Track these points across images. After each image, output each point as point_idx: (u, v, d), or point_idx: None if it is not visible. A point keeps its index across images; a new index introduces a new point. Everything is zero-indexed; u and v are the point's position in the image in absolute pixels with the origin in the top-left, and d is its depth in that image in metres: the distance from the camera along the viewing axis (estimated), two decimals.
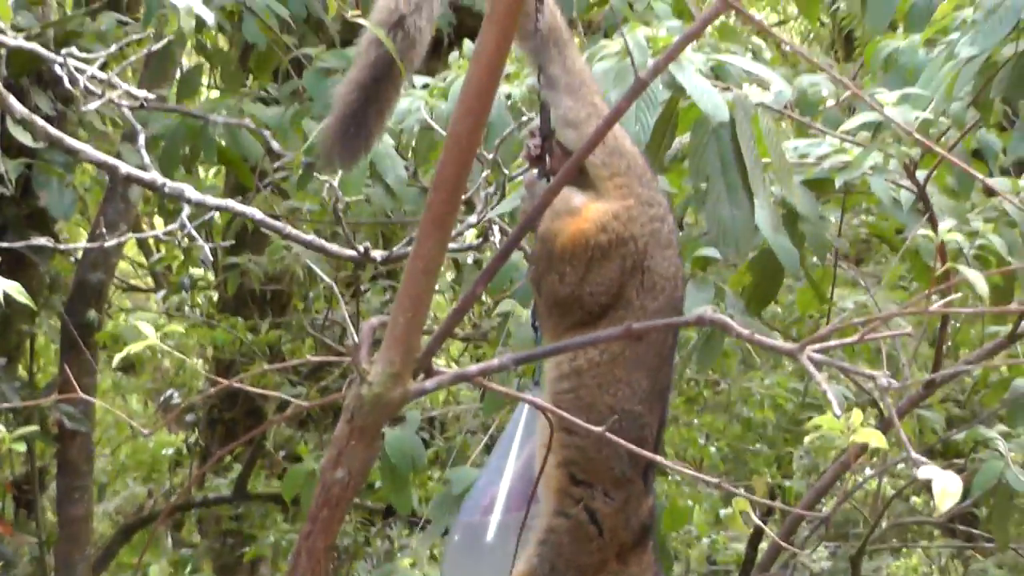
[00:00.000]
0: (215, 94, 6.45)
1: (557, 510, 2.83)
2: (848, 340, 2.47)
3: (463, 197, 4.26)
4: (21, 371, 7.25)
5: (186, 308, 8.43)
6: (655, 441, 2.80)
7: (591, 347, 2.74)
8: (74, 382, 4.83)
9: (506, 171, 4.05)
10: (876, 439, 2.29)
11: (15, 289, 2.46)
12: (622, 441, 2.44)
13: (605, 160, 2.82)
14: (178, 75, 5.68)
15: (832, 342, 2.39)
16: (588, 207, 2.77)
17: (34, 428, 4.81)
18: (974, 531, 7.46)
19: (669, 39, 3.54)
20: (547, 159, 2.93)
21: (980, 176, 3.65)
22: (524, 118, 3.94)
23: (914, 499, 7.82)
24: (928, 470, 2.19)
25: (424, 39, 2.77)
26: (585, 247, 2.76)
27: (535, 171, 2.97)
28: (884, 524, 7.18)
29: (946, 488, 2.16)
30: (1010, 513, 6.72)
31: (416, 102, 4.23)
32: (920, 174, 3.97)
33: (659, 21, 4.17)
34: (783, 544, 4.63)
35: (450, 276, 7.65)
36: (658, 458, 2.71)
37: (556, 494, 2.83)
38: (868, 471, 6.41)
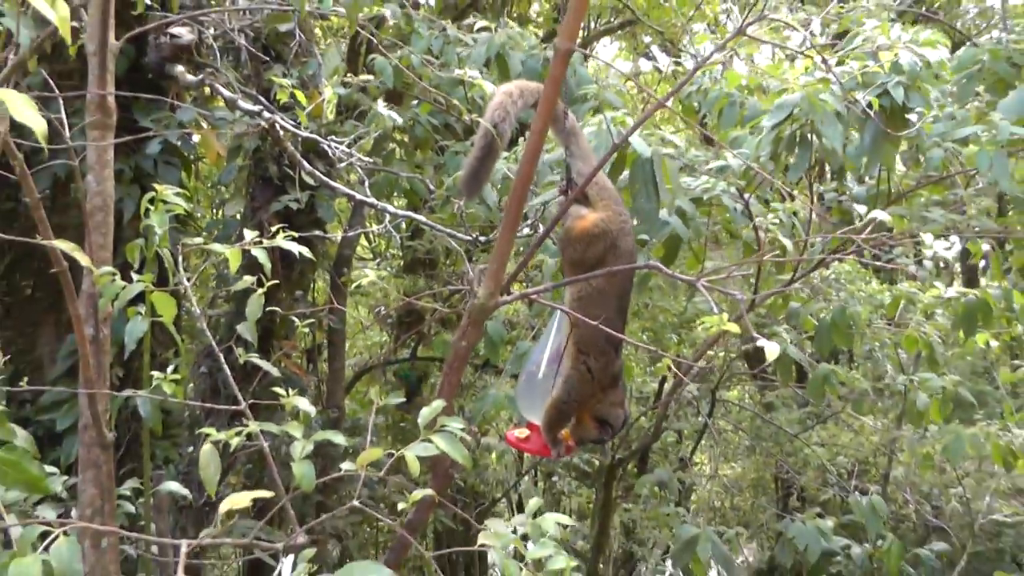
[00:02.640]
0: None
1: (572, 366, 2.79)
2: (721, 276, 2.40)
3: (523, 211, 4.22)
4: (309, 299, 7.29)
5: (388, 268, 8.44)
6: (621, 332, 2.75)
7: (588, 284, 2.70)
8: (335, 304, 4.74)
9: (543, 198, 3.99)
10: (733, 328, 2.23)
11: (306, 251, 2.39)
12: (608, 330, 2.39)
13: (599, 192, 2.78)
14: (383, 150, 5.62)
15: (712, 276, 2.32)
16: (590, 215, 2.74)
17: (311, 321, 4.72)
18: (768, 378, 7.38)
19: (623, 118, 3.52)
20: (568, 191, 2.89)
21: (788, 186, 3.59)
22: (556, 171, 3.88)
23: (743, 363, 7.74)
24: (762, 341, 2.13)
25: (507, 136, 2.73)
26: (586, 234, 2.72)
27: (562, 198, 2.95)
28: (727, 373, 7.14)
29: (770, 349, 2.11)
30: (788, 369, 6.63)
31: (502, 164, 4.17)
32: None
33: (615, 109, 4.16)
34: (682, 377, 4.53)
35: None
36: (624, 337, 2.65)
37: (571, 358, 2.79)
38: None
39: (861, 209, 3.17)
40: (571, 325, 2.78)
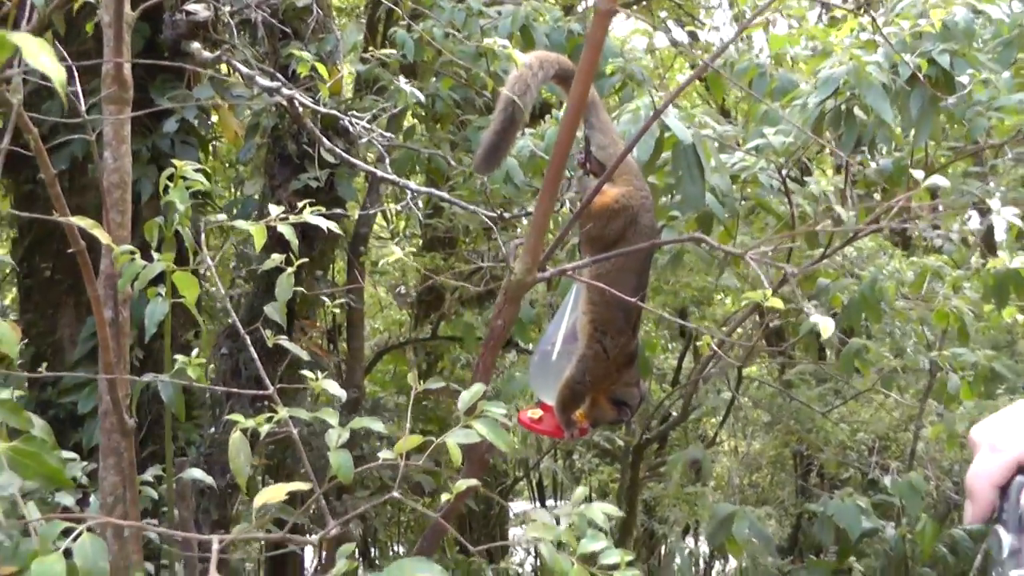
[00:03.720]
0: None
1: (587, 345, 2.66)
2: (767, 249, 2.26)
3: None
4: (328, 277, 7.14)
5: (406, 246, 8.32)
6: (638, 311, 2.64)
7: (607, 261, 2.58)
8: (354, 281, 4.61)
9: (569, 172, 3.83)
10: (779, 303, 2.09)
11: (335, 226, 2.29)
12: (627, 298, 2.25)
13: (619, 167, 2.63)
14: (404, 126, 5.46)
15: (761, 249, 2.17)
16: (609, 190, 2.61)
17: (340, 301, 4.58)
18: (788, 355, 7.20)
19: (660, 100, 3.35)
20: (587, 165, 2.76)
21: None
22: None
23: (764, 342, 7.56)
24: (816, 317, 1.98)
25: (528, 108, 2.62)
26: (607, 210, 2.60)
27: (582, 171, 2.80)
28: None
29: (824, 325, 1.96)
30: (814, 345, 6.46)
31: (526, 141, 4.01)
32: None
33: (645, 78, 4.00)
34: (720, 354, 4.38)
35: None
36: (644, 306, 2.54)
37: (587, 337, 2.66)
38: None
39: (919, 174, 2.98)
40: (587, 303, 2.66)
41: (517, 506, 10.59)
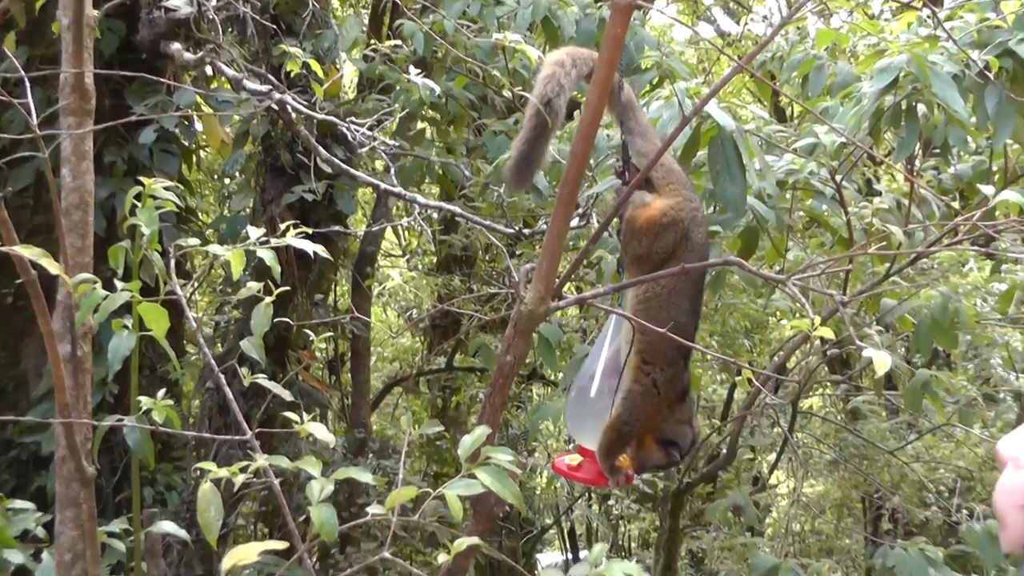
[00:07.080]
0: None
1: (634, 380, 2.65)
2: (814, 274, 2.23)
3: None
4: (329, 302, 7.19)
5: (419, 265, 8.32)
6: (692, 337, 2.62)
7: (656, 283, 2.57)
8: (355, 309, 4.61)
9: (598, 179, 3.82)
10: (828, 332, 2.07)
11: (321, 249, 2.26)
12: (674, 336, 2.24)
13: (664, 175, 2.66)
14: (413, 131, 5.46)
15: (805, 274, 2.15)
16: (656, 202, 2.62)
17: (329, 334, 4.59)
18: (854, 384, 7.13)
19: (698, 89, 3.34)
20: (626, 174, 2.74)
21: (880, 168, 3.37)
22: (613, 153, 3.71)
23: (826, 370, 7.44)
24: (868, 351, 1.96)
25: (561, 112, 2.61)
26: (654, 225, 2.60)
27: (619, 181, 2.79)
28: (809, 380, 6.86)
29: (880, 360, 1.94)
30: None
31: (552, 146, 3.99)
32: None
33: (688, 78, 3.97)
34: (763, 389, 4.34)
35: None
36: (693, 345, 2.51)
37: (633, 370, 2.65)
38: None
39: (988, 191, 2.92)
40: (633, 331, 2.63)
41: (546, 558, 10.52)
